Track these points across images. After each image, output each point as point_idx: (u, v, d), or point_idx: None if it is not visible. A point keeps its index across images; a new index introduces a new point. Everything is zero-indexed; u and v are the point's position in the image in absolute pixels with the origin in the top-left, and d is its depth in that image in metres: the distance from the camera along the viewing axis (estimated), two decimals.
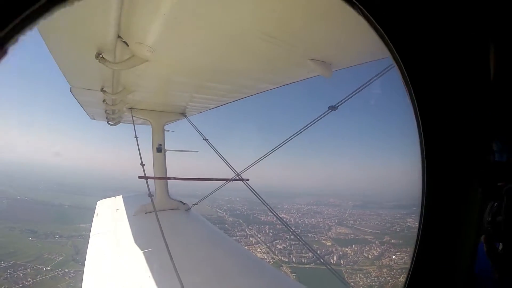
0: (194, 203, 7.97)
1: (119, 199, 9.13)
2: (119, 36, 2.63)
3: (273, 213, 5.72)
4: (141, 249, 5.19)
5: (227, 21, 2.34)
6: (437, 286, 1.21)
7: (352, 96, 3.75)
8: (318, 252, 45.88)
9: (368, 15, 1.07)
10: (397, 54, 1.12)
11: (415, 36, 1.11)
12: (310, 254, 44.84)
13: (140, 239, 5.68)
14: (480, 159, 1.16)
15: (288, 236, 49.21)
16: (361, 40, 2.48)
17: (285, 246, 48.08)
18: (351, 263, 45.86)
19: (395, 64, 1.15)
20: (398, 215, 58.18)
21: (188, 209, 7.76)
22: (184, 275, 3.26)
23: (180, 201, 7.74)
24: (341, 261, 45.70)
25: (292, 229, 6.12)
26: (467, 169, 1.15)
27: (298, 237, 6.42)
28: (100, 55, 2.98)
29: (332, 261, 43.62)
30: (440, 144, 1.15)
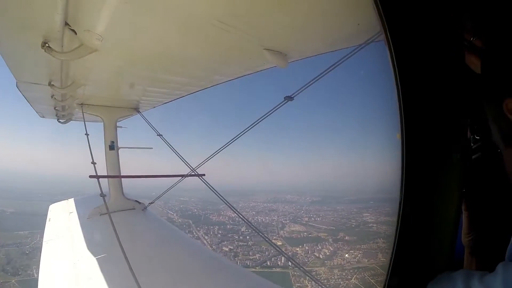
0: (150, 202, 7.83)
1: (71, 202, 8.64)
2: (66, 23, 2.51)
3: (230, 208, 5.69)
4: (96, 254, 4.95)
5: (180, 6, 2.29)
6: (419, 264, 1.19)
7: (309, 86, 3.57)
8: (267, 253, 43.17)
9: None
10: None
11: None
12: (257, 256, 43.23)
13: (95, 243, 5.45)
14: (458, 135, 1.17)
15: (236, 237, 47.97)
16: (316, 30, 2.51)
17: (231, 248, 46.44)
18: (300, 264, 43.95)
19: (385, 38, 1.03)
20: (354, 209, 58.59)
21: (144, 209, 7.60)
22: (141, 278, 3.16)
23: (136, 201, 7.55)
24: (289, 263, 43.57)
25: (249, 223, 6.08)
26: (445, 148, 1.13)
27: (259, 233, 5.98)
28: (46, 44, 2.83)
29: (279, 263, 41.67)
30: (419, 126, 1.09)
